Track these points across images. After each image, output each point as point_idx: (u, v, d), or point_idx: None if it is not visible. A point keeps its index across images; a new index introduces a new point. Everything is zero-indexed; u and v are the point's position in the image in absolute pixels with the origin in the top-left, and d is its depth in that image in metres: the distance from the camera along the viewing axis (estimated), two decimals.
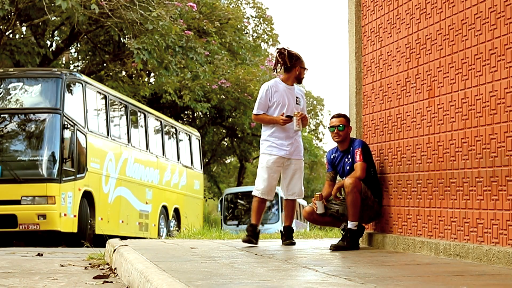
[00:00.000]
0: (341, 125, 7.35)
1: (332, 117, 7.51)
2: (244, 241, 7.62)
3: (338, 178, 7.63)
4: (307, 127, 42.24)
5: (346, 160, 7.37)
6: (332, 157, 7.57)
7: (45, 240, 14.32)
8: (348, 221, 7.08)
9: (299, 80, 7.75)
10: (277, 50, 7.76)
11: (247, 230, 7.68)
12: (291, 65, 7.69)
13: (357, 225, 7.07)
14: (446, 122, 6.22)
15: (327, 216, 7.41)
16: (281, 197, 30.24)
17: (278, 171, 7.63)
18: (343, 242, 7.03)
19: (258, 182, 7.67)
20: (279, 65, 7.74)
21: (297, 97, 7.72)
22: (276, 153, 7.59)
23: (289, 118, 7.54)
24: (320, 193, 7.45)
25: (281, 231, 7.93)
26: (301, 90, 7.88)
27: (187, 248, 7.36)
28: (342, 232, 7.27)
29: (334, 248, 6.95)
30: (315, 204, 7.34)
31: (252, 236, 7.60)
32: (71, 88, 14.79)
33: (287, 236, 7.81)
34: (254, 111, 7.71)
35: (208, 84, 23.84)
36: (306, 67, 7.76)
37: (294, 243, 7.72)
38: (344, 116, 7.47)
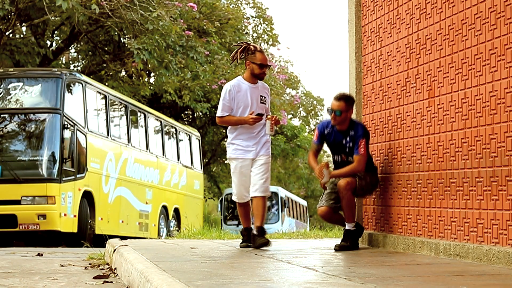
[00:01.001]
0: (338, 111, 7.05)
1: (334, 97, 7.17)
2: (241, 246, 7.44)
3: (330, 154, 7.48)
4: (306, 126, 42.26)
5: (344, 141, 7.15)
6: (324, 132, 7.27)
7: (45, 240, 14.32)
8: (346, 223, 7.09)
9: (255, 76, 7.33)
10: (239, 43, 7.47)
11: (242, 234, 7.54)
12: (243, 59, 7.37)
13: (354, 226, 7.10)
14: (446, 122, 6.21)
15: (338, 213, 7.27)
16: (281, 197, 30.25)
17: (248, 173, 7.35)
18: (346, 242, 7.02)
19: (232, 187, 7.49)
20: (235, 58, 7.41)
21: (261, 96, 7.36)
22: (243, 156, 7.32)
23: (260, 116, 7.26)
24: (326, 161, 7.22)
25: (252, 234, 7.27)
26: (266, 87, 7.53)
27: (187, 248, 7.36)
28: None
29: (339, 248, 6.94)
30: (322, 173, 7.04)
31: (248, 240, 7.43)
32: (71, 88, 14.79)
33: (262, 236, 7.17)
34: (218, 114, 7.32)
35: (208, 84, 23.84)
36: (261, 63, 7.25)
37: (267, 242, 7.12)
38: (346, 99, 7.11)
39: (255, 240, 7.18)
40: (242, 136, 7.34)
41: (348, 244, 7.01)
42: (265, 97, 7.39)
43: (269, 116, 7.24)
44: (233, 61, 7.44)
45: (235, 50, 7.33)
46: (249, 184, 7.33)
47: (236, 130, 7.36)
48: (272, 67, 8.41)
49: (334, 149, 7.27)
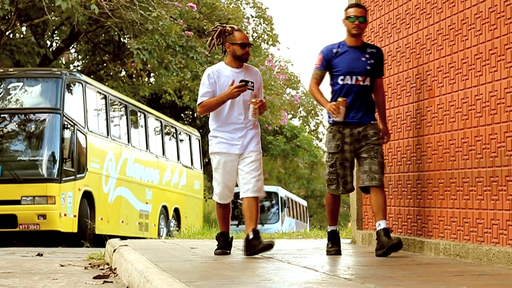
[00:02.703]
0: (362, 17, 6.22)
1: (348, 7, 6.37)
2: (216, 253, 6.45)
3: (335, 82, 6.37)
4: (306, 126, 42.24)
5: (364, 58, 6.25)
6: (334, 52, 6.29)
7: (45, 240, 14.32)
8: (381, 221, 6.16)
9: (238, 58, 6.34)
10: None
11: (218, 239, 6.55)
12: (221, 44, 6.43)
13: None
14: (446, 122, 6.21)
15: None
16: (281, 197, 30.23)
17: (233, 170, 6.39)
18: (390, 238, 6.03)
19: (214, 185, 6.51)
20: (213, 45, 6.49)
21: (246, 81, 6.33)
22: (227, 150, 6.34)
23: (245, 82, 6.27)
24: (345, 98, 6.18)
25: (247, 237, 6.20)
26: (254, 71, 6.50)
27: (187, 248, 7.36)
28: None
29: (391, 248, 5.99)
30: (339, 109, 6.13)
31: (224, 247, 6.50)
32: (71, 88, 14.79)
33: (260, 240, 6.16)
34: (198, 101, 6.36)
35: None
36: (242, 41, 6.31)
37: (271, 245, 6.15)
38: (364, 7, 6.42)
39: (252, 245, 6.13)
40: (225, 127, 6.37)
41: (396, 241, 6.01)
42: (252, 82, 6.38)
43: (253, 100, 6.27)
44: (211, 48, 6.48)
45: (211, 36, 6.45)
46: (233, 183, 6.45)
47: (218, 120, 6.39)
48: (252, 46, 7.28)
49: (347, 70, 6.24)
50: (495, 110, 5.52)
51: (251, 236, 6.16)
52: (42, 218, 13.67)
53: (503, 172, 5.40)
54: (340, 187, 6.38)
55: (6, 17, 19.53)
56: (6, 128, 14.54)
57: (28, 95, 14.50)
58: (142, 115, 18.71)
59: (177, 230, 19.24)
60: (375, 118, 6.39)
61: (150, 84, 24.96)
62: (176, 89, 23.29)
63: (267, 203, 29.23)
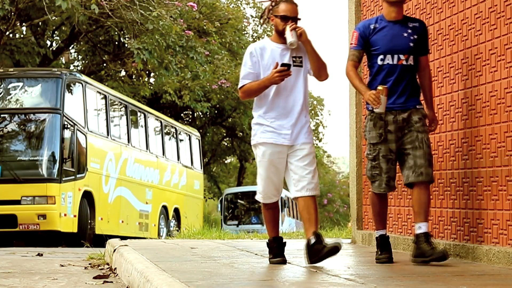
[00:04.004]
0: None
1: None
2: (273, 262, 5.54)
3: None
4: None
5: (406, 34, 5.50)
6: (371, 28, 5.54)
7: (45, 240, 14.33)
8: (421, 223, 5.46)
9: (280, 34, 5.48)
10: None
11: (270, 247, 5.63)
12: (266, 19, 5.63)
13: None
14: (446, 122, 6.21)
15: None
16: (281, 197, 30.21)
17: (281, 163, 5.48)
18: (432, 247, 5.36)
19: (258, 182, 5.63)
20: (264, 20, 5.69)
21: (295, 57, 5.50)
22: (274, 140, 5.45)
23: (286, 66, 5.35)
24: (386, 86, 5.43)
25: (308, 242, 5.35)
26: (300, 45, 5.52)
27: (187, 248, 7.36)
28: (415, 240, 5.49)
29: (440, 258, 5.33)
30: (379, 99, 5.39)
31: (281, 254, 5.58)
32: (71, 88, 14.79)
33: (324, 242, 5.31)
34: (239, 84, 5.55)
35: (208, 84, 23.85)
36: (284, 14, 5.44)
37: (337, 247, 5.27)
38: None
39: (316, 250, 5.26)
40: (271, 112, 5.48)
41: (441, 254, 5.31)
42: (301, 57, 5.51)
43: (290, 24, 5.39)
44: (262, 22, 5.68)
45: (264, 8, 5.63)
46: (280, 179, 5.56)
47: (263, 105, 5.50)
48: (299, 20, 5.41)
49: (387, 48, 5.51)
50: (495, 110, 5.52)
51: (313, 241, 5.30)
52: (42, 218, 13.67)
53: (503, 172, 5.40)
54: (383, 184, 5.59)
55: (6, 17, 19.52)
56: (6, 128, 14.54)
57: (28, 95, 14.50)
58: (142, 115, 18.71)
59: (177, 230, 19.24)
60: (421, 103, 5.62)
61: (150, 84, 24.96)
62: (176, 89, 23.29)
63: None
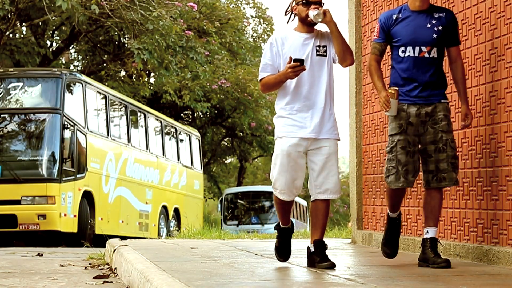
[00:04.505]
0: None
1: None
2: (276, 248, 5.56)
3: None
4: None
5: (430, 25, 5.19)
6: (393, 19, 5.24)
7: (45, 240, 14.33)
8: (430, 228, 5.30)
9: (303, 21, 5.19)
10: None
11: (278, 232, 5.54)
12: (289, 9, 5.32)
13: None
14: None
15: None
16: None
17: (301, 158, 5.17)
18: (437, 254, 5.21)
19: (273, 176, 5.27)
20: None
21: (318, 46, 5.19)
22: (294, 133, 5.13)
23: (299, 62, 5.04)
24: (397, 89, 5.18)
25: (308, 249, 5.30)
26: (324, 34, 5.26)
27: (187, 248, 7.36)
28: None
29: (446, 264, 5.11)
30: (389, 102, 5.13)
31: (285, 248, 5.53)
32: (71, 88, 14.80)
33: (321, 256, 5.16)
34: (259, 77, 5.30)
35: (208, 84, 23.86)
36: (308, 0, 5.14)
37: (333, 266, 5.06)
38: None
39: (312, 260, 5.22)
40: (293, 104, 5.17)
41: (444, 264, 5.10)
42: (325, 46, 5.21)
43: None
44: (288, 18, 5.32)
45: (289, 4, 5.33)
46: (301, 175, 5.22)
47: (285, 97, 5.20)
48: (323, 5, 5.10)
49: (408, 39, 5.22)
50: (495, 110, 5.52)
51: (311, 250, 5.22)
52: (42, 218, 13.67)
53: (503, 172, 5.40)
54: (401, 177, 5.20)
55: (6, 17, 19.52)
56: (6, 128, 14.54)
57: (28, 95, 14.50)
58: (142, 115, 18.72)
59: (177, 230, 19.25)
60: (446, 97, 5.33)
61: (150, 84, 24.97)
62: (176, 89, 23.30)
63: (267, 203, 29.22)
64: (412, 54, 5.21)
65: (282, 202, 5.32)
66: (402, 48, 5.24)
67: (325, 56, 5.19)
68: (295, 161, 5.14)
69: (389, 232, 5.49)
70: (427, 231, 5.28)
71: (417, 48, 5.20)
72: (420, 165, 5.34)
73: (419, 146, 5.23)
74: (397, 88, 5.17)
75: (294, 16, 5.24)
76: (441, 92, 5.28)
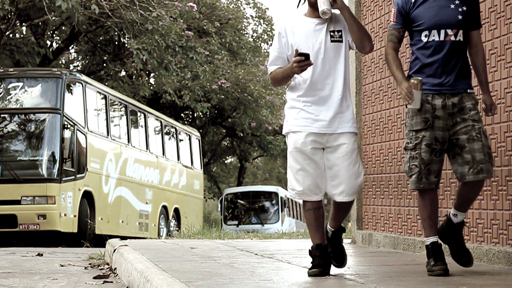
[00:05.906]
0: None
1: None
2: (310, 273, 4.63)
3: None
4: None
5: (453, 5, 4.69)
6: (411, 1, 4.76)
7: (45, 240, 14.33)
8: (460, 212, 4.86)
9: (312, 6, 4.70)
10: None
11: (312, 255, 4.69)
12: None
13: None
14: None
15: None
16: (281, 197, 30.26)
17: (318, 154, 4.64)
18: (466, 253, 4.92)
19: (289, 177, 4.73)
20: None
21: (333, 31, 4.68)
22: (308, 128, 4.62)
23: (305, 56, 4.52)
24: (420, 79, 4.64)
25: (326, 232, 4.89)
26: (340, 17, 4.72)
27: (187, 248, 7.36)
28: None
29: (466, 263, 4.93)
30: (412, 94, 4.61)
31: (323, 264, 4.64)
32: (71, 88, 14.80)
33: (320, 259, 4.66)
34: (268, 70, 4.82)
35: (208, 84, 23.86)
36: None
37: (322, 274, 4.61)
38: None
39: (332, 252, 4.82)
40: (306, 95, 4.67)
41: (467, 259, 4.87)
42: (340, 31, 4.70)
43: None
44: (300, 2, 4.82)
45: None
46: (319, 173, 4.64)
47: (297, 88, 4.71)
48: None
49: (432, 22, 4.72)
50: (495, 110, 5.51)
51: (328, 233, 4.96)
52: (42, 218, 13.67)
53: (503, 172, 5.40)
54: (423, 178, 4.70)
55: (6, 17, 19.53)
56: (6, 128, 14.54)
57: (28, 95, 14.50)
58: (142, 115, 18.72)
59: (177, 230, 19.25)
60: (472, 86, 4.85)
61: (150, 84, 24.97)
62: (176, 89, 23.30)
63: (267, 203, 29.25)
64: (437, 38, 4.70)
65: (309, 206, 4.68)
66: (426, 33, 4.72)
67: (341, 41, 4.69)
68: (311, 159, 4.61)
69: (436, 258, 4.72)
70: (456, 215, 4.85)
71: (442, 32, 4.70)
72: (448, 163, 4.94)
73: (449, 140, 4.71)
74: (420, 78, 4.64)
75: (304, 0, 4.78)
76: (467, 81, 4.79)
